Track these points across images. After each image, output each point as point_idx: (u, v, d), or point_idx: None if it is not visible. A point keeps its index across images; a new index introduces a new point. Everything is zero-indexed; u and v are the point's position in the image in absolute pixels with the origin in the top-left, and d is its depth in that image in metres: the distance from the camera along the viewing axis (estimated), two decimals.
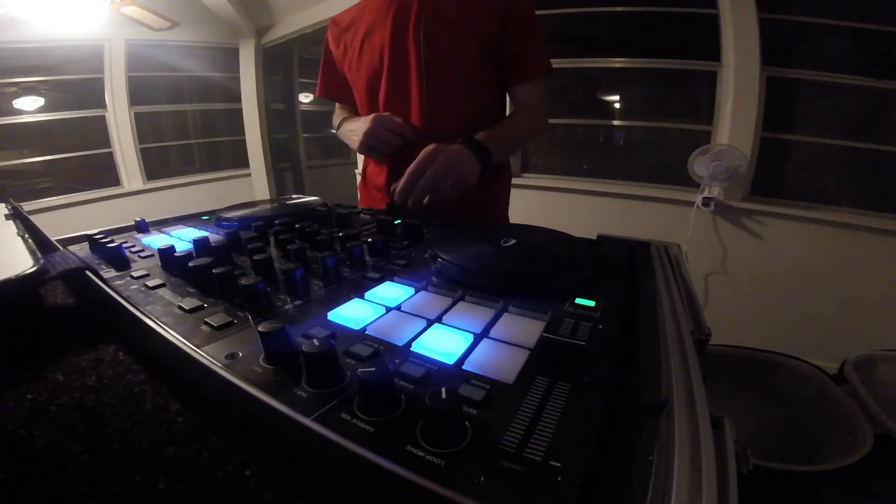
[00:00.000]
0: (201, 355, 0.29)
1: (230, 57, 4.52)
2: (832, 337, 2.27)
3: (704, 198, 2.38)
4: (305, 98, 5.27)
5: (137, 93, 4.14)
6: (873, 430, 1.32)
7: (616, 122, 2.76)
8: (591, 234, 0.63)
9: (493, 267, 0.45)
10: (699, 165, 2.32)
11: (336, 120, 1.14)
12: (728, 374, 1.78)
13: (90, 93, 3.92)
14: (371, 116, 0.91)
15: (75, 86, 3.84)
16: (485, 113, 0.98)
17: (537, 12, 0.95)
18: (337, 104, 1.18)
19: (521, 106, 0.98)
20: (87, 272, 0.41)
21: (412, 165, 0.76)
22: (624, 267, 0.49)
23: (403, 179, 0.76)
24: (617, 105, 2.77)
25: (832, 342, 2.20)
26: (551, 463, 0.20)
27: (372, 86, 0.98)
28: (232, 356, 0.30)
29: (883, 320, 2.18)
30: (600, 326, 0.34)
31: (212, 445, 0.24)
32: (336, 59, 1.07)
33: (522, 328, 0.34)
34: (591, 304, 0.38)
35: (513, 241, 0.51)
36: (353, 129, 0.96)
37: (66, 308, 0.44)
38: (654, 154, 2.74)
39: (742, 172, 2.29)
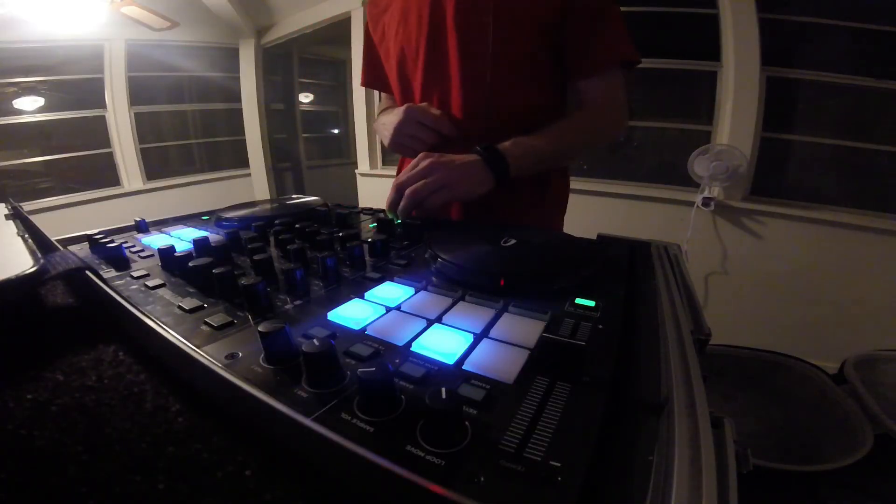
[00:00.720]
0: (201, 355, 0.29)
1: (230, 57, 4.53)
2: (832, 337, 2.27)
3: (704, 198, 2.39)
4: (305, 98, 5.27)
5: (137, 93, 4.14)
6: (873, 430, 1.32)
7: None
8: (592, 234, 0.63)
9: (493, 267, 0.45)
10: (699, 165, 2.32)
11: (377, 113, 1.02)
12: (728, 375, 1.78)
13: (90, 93, 3.92)
14: (403, 108, 0.79)
15: (75, 86, 3.84)
16: (543, 111, 0.82)
17: None
18: (382, 95, 1.06)
19: (581, 106, 0.81)
20: (88, 272, 0.41)
21: (402, 177, 0.68)
22: (624, 267, 0.49)
23: (390, 194, 0.69)
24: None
25: (832, 342, 2.21)
26: (551, 463, 0.20)
27: (406, 74, 0.88)
28: (232, 356, 0.30)
29: (883, 320, 2.18)
30: (600, 326, 0.34)
31: (212, 445, 0.24)
32: (375, 43, 0.96)
33: (522, 328, 0.34)
34: (591, 304, 0.38)
35: (513, 241, 0.51)
36: (385, 123, 0.84)
37: (66, 308, 0.44)
38: (654, 154, 2.74)
39: (742, 172, 2.29)
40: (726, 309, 2.49)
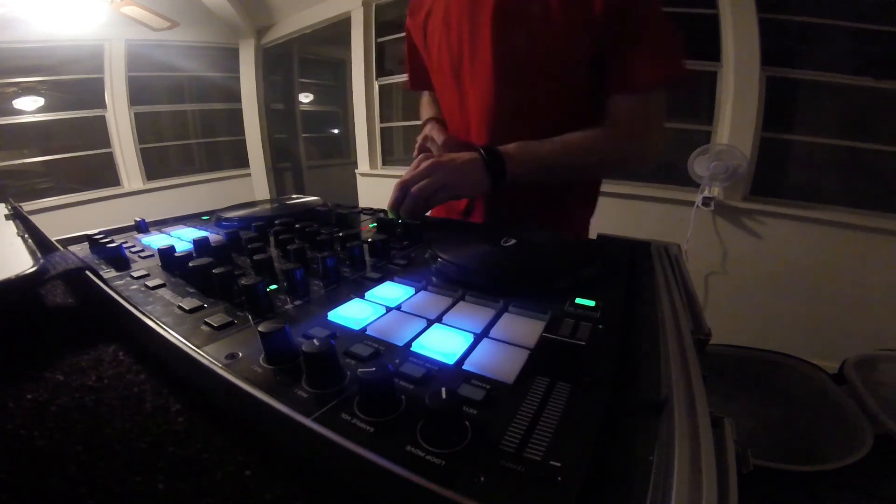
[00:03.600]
0: (201, 355, 0.29)
1: (230, 57, 4.53)
2: (832, 337, 2.27)
3: (704, 198, 2.39)
4: (305, 98, 5.27)
5: (137, 93, 4.15)
6: (873, 430, 1.32)
7: None
8: (592, 234, 0.63)
9: (494, 267, 0.45)
10: (699, 165, 2.32)
11: (422, 115, 1.03)
12: (728, 374, 1.78)
13: (90, 93, 3.93)
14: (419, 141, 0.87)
15: (75, 86, 3.84)
16: (578, 125, 0.75)
17: None
18: (425, 93, 1.07)
19: (610, 122, 0.75)
20: (87, 272, 0.41)
21: (405, 176, 0.69)
22: (624, 267, 0.49)
23: (393, 194, 0.69)
24: None
25: (832, 342, 2.21)
26: (551, 463, 0.20)
27: (447, 80, 0.87)
28: (232, 356, 0.30)
29: (883, 320, 2.18)
30: (600, 326, 0.34)
31: (211, 445, 0.24)
32: (419, 48, 0.96)
33: (522, 328, 0.34)
34: (592, 303, 0.38)
35: (513, 241, 0.51)
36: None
37: (66, 308, 0.44)
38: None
39: (742, 172, 2.29)
40: (726, 309, 2.49)
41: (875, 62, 2.16)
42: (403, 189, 0.68)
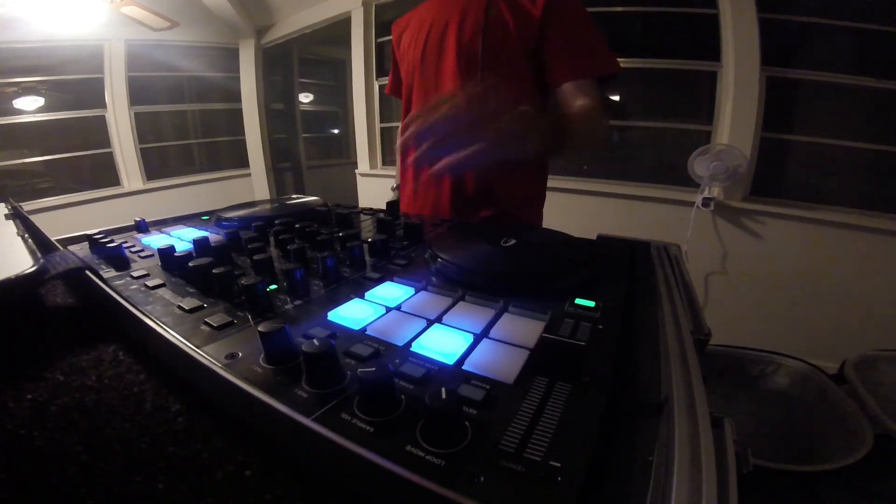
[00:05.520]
0: (201, 355, 0.29)
1: (230, 57, 4.52)
2: (832, 337, 2.27)
3: (704, 198, 2.38)
4: (305, 98, 5.27)
5: (137, 93, 4.14)
6: (873, 430, 1.32)
7: (617, 123, 2.76)
8: (592, 235, 0.63)
9: (493, 267, 0.45)
10: (699, 165, 2.32)
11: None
12: (728, 374, 1.78)
13: (90, 93, 3.92)
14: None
15: (75, 86, 3.84)
16: None
17: None
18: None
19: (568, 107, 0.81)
20: (88, 272, 0.41)
21: (429, 120, 0.54)
22: (624, 267, 0.49)
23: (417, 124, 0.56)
24: (618, 104, 2.77)
25: (832, 342, 2.20)
26: (551, 463, 0.20)
27: (411, 87, 0.96)
28: (232, 356, 0.30)
29: (883, 320, 2.18)
30: (600, 326, 0.34)
31: (211, 445, 0.24)
32: (398, 58, 1.05)
33: (522, 328, 0.34)
34: (591, 304, 0.38)
35: (513, 242, 0.51)
36: None
37: (66, 308, 0.44)
38: (655, 154, 2.74)
39: (742, 172, 2.29)
40: (726, 309, 2.49)
41: (876, 62, 2.16)
42: (426, 137, 0.55)
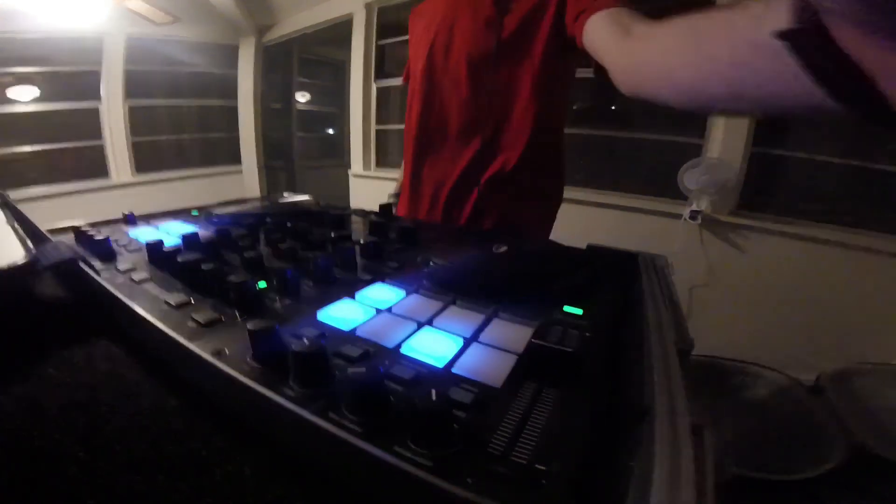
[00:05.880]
0: (193, 347, 0.29)
1: (230, 54, 4.50)
2: (810, 349, 2.31)
3: (692, 211, 2.41)
4: (303, 97, 5.25)
5: (134, 87, 4.09)
6: (847, 441, 1.35)
7: (609, 133, 2.79)
8: (582, 244, 0.64)
9: (485, 274, 0.45)
10: (689, 178, 2.35)
11: None
12: (710, 384, 1.80)
13: (85, 85, 3.87)
14: None
15: (71, 77, 3.78)
16: (546, 121, 0.84)
17: None
18: None
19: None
20: (81, 263, 0.41)
21: None
22: (612, 277, 0.50)
23: None
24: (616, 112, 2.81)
25: (810, 354, 2.24)
26: (537, 466, 0.21)
27: (424, 78, 0.92)
28: (218, 353, 0.30)
29: (859, 334, 2.23)
30: (587, 334, 0.35)
31: (211, 445, 0.24)
32: (411, 46, 1.02)
33: (511, 334, 0.34)
34: (580, 312, 0.39)
35: (504, 249, 0.52)
36: None
37: (56, 300, 0.43)
38: (645, 165, 2.77)
39: (731, 186, 2.32)
40: (709, 320, 2.51)
41: None
42: None
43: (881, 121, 0.25)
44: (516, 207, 0.89)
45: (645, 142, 2.72)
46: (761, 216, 2.43)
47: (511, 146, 0.85)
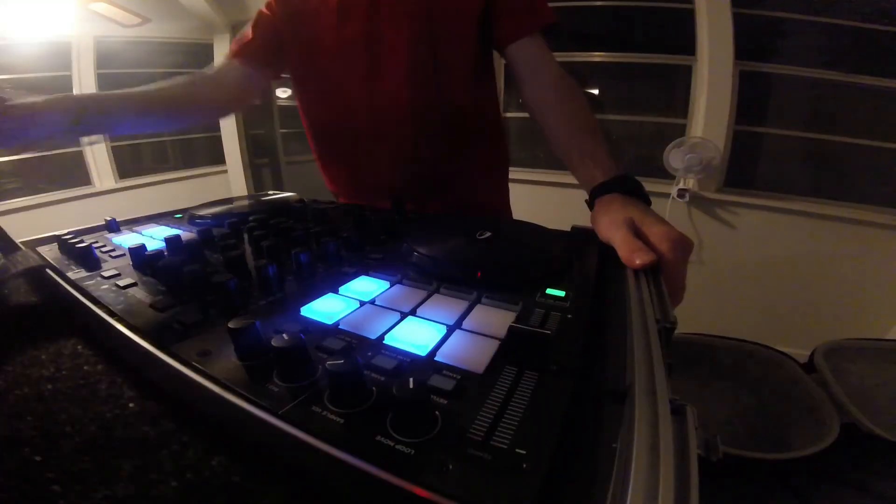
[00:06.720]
0: (168, 355, 0.29)
1: (205, 53, 4.42)
2: (803, 325, 2.34)
3: (680, 189, 2.43)
4: (283, 93, 5.19)
5: (107, 90, 4.01)
6: (840, 418, 1.36)
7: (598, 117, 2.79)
8: (567, 226, 0.64)
9: (468, 259, 0.45)
10: (674, 158, 2.36)
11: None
12: (704, 363, 1.82)
13: (58, 91, 3.77)
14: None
15: (42, 84, 3.70)
16: (481, 107, 0.86)
17: None
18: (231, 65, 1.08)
19: (528, 67, 0.79)
20: (48, 270, 0.40)
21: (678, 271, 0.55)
22: (596, 257, 0.50)
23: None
24: (596, 98, 2.80)
25: (803, 331, 2.28)
26: (517, 451, 0.21)
27: (331, 67, 0.86)
28: (205, 353, 0.30)
29: (852, 309, 2.26)
30: (569, 316, 0.35)
31: (160, 427, 0.24)
32: (278, 19, 0.96)
33: (494, 319, 0.34)
34: (562, 293, 0.39)
35: (488, 234, 0.52)
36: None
37: (29, 307, 0.43)
38: (631, 147, 2.78)
39: (716, 165, 2.34)
40: (701, 298, 2.54)
41: (846, 56, 2.23)
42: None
43: None
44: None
45: (629, 123, 2.72)
46: (748, 192, 2.46)
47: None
